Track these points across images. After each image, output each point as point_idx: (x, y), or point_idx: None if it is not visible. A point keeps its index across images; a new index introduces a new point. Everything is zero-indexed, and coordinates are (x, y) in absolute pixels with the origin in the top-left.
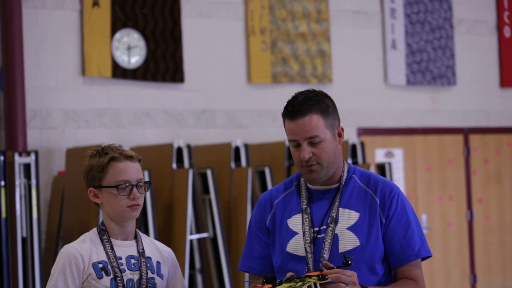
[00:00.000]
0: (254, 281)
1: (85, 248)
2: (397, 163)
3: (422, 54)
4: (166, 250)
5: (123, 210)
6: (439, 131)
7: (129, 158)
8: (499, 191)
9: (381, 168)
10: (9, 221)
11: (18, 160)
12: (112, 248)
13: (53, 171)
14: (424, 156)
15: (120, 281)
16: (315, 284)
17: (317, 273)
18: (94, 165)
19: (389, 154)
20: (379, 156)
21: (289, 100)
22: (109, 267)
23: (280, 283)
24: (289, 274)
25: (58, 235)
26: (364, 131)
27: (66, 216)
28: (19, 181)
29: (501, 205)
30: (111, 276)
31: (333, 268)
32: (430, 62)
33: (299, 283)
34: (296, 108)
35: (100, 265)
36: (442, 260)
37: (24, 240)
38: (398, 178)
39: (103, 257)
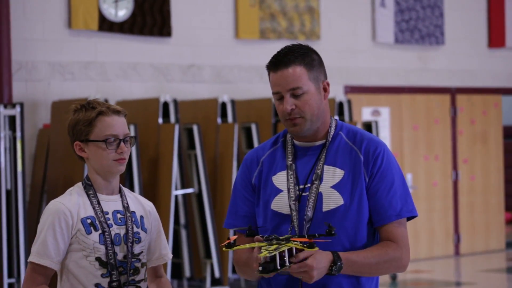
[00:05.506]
0: (239, 234)
1: (73, 204)
2: (383, 121)
3: (411, 13)
4: (148, 204)
5: (110, 164)
6: (426, 90)
7: (116, 112)
8: (485, 152)
9: (368, 126)
10: None
11: (3, 112)
12: (99, 203)
13: (38, 124)
14: (411, 115)
15: (108, 236)
16: (289, 250)
17: (304, 239)
18: (80, 119)
19: (375, 113)
20: (366, 114)
21: (274, 54)
22: (97, 222)
23: (259, 240)
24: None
25: (43, 188)
26: (351, 89)
27: (51, 169)
28: (4, 133)
29: (486, 166)
30: (100, 231)
31: (315, 236)
32: (418, 20)
33: (274, 246)
34: (279, 59)
35: (89, 221)
36: (426, 219)
37: (8, 192)
38: (384, 136)
39: (91, 213)
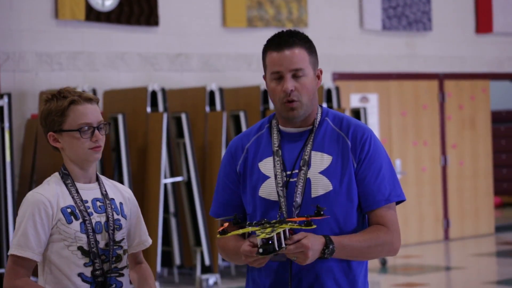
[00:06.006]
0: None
1: (51, 194)
2: (372, 108)
3: None
4: (126, 190)
5: (85, 153)
6: (414, 76)
7: (89, 100)
8: (473, 137)
9: (356, 113)
10: None
11: None
12: (77, 192)
13: (27, 114)
14: (399, 101)
15: (89, 224)
16: (284, 231)
17: (301, 218)
18: (52, 110)
19: (364, 99)
20: (354, 101)
21: (273, 35)
22: (77, 211)
23: (250, 225)
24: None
25: (32, 178)
26: (339, 76)
27: (40, 159)
28: None
29: (475, 151)
30: (80, 220)
31: (305, 217)
32: (406, 7)
33: (268, 229)
34: (283, 39)
35: (69, 210)
36: (416, 205)
37: None
38: (373, 123)
39: (70, 202)
